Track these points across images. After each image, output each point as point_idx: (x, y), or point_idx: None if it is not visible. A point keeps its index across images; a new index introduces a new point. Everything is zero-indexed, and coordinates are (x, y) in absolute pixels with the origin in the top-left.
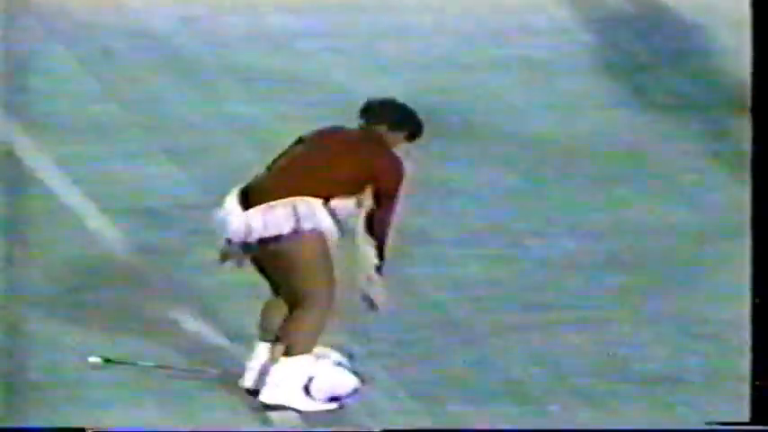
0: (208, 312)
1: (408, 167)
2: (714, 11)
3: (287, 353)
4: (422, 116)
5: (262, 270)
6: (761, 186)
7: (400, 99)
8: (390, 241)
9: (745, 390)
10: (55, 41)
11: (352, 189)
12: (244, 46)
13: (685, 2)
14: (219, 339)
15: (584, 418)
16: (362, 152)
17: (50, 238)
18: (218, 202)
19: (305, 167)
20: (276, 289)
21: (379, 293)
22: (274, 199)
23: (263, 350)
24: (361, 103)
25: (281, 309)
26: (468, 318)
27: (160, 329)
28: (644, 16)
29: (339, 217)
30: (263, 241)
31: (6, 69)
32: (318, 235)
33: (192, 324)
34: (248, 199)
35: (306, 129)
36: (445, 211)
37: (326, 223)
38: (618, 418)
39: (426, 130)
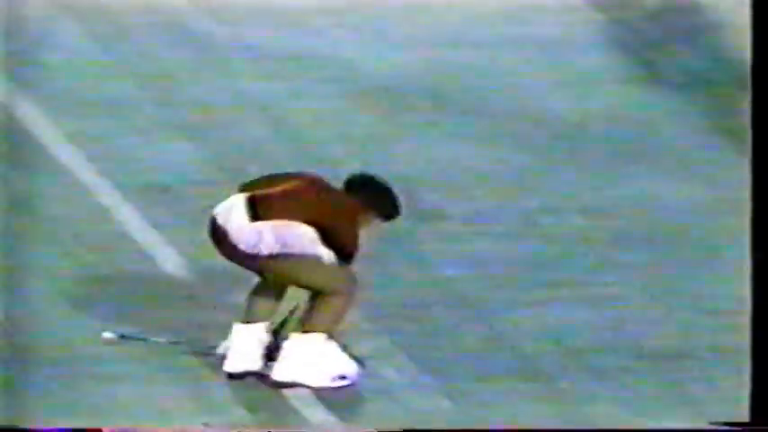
0: (220, 289)
1: (416, 145)
2: None
3: (305, 330)
4: (434, 93)
5: (253, 270)
6: (761, 164)
7: (410, 76)
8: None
9: (745, 390)
10: (69, 18)
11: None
12: (256, 23)
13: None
14: (231, 316)
15: (596, 393)
16: (330, 213)
17: (64, 214)
18: (231, 179)
19: (305, 200)
20: (266, 279)
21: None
22: (285, 218)
23: (243, 332)
24: (372, 79)
25: (269, 294)
26: (480, 294)
27: (173, 305)
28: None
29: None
30: (265, 255)
31: (20, 46)
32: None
33: (204, 300)
34: (257, 210)
35: (317, 105)
36: (457, 188)
37: (326, 254)
38: (629, 393)
39: (438, 107)
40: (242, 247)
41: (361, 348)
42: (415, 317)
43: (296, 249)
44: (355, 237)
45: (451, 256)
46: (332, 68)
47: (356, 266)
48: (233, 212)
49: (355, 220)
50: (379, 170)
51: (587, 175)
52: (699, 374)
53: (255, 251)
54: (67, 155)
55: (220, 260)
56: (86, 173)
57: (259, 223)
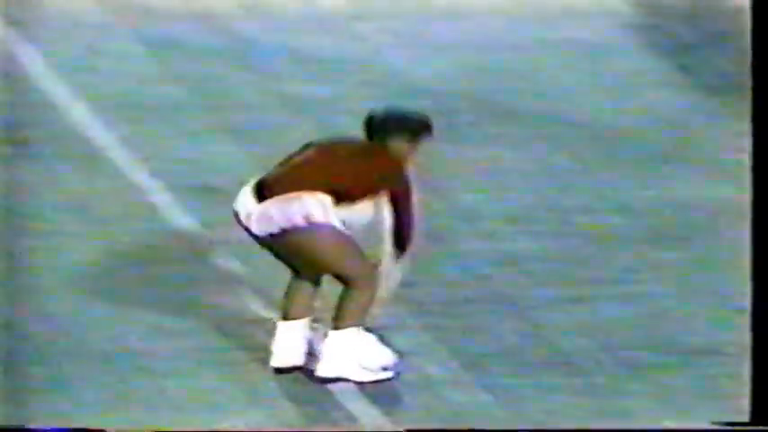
0: (268, 282)
1: (458, 147)
2: None
3: (337, 327)
4: (474, 97)
5: (280, 258)
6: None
7: (451, 80)
8: (415, 244)
9: (745, 390)
10: (123, 26)
11: (358, 195)
12: (300, 29)
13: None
14: (273, 314)
15: (630, 389)
16: (362, 163)
17: (118, 213)
18: None
19: (317, 167)
20: (298, 272)
21: (391, 281)
22: (289, 192)
23: (289, 329)
24: (413, 82)
25: (305, 289)
26: (517, 291)
27: (222, 299)
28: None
29: (354, 219)
30: (278, 234)
31: (77, 53)
32: (331, 228)
33: (245, 298)
34: (263, 192)
35: (358, 108)
36: (496, 188)
37: (334, 220)
38: (662, 389)
39: (478, 110)
40: (256, 232)
41: (404, 344)
42: (456, 313)
43: (301, 221)
44: (397, 174)
45: (490, 254)
46: (374, 72)
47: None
48: (245, 202)
49: (386, 158)
50: (419, 171)
51: (622, 176)
52: (729, 370)
53: (267, 231)
54: (121, 156)
55: (266, 258)
56: (139, 173)
57: (265, 202)
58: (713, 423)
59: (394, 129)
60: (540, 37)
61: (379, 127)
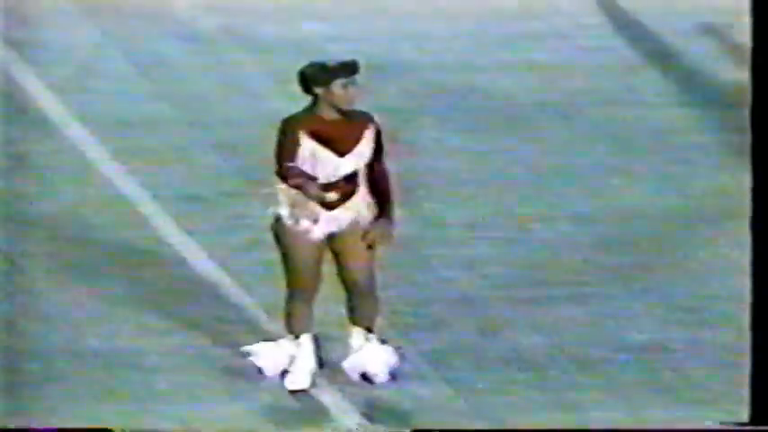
0: (248, 289)
1: (422, 160)
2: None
3: (366, 327)
4: (438, 115)
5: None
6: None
7: (418, 99)
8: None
9: (745, 390)
10: (113, 47)
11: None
12: (279, 50)
13: (684, 4)
14: (258, 316)
15: (582, 383)
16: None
17: (109, 221)
18: (257, 190)
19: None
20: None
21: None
22: None
23: (294, 347)
24: (380, 101)
25: (308, 302)
26: (477, 293)
27: (203, 304)
28: (629, 22)
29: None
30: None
31: (71, 72)
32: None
33: (233, 297)
34: None
35: None
36: (458, 198)
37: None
38: (612, 383)
39: (440, 126)
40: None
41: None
42: (421, 313)
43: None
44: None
45: (453, 258)
46: None
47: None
48: None
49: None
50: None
51: (574, 187)
52: (674, 365)
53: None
54: (112, 169)
55: (245, 262)
56: (129, 185)
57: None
58: (717, 423)
59: (311, 81)
60: (499, 58)
61: (301, 84)
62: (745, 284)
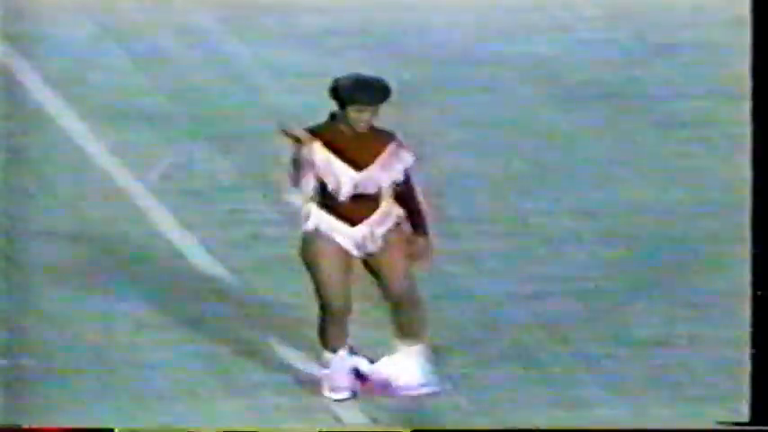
0: (247, 283)
1: (423, 154)
2: (711, 8)
3: (414, 340)
4: (439, 108)
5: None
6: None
7: (418, 91)
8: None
9: (745, 390)
10: (110, 40)
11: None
12: (277, 43)
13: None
14: (257, 308)
15: (584, 380)
16: None
17: (107, 216)
18: (255, 184)
19: None
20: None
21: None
22: None
23: (335, 361)
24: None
25: (343, 325)
26: (478, 288)
27: (201, 299)
28: (632, 13)
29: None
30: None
31: (68, 66)
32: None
33: (232, 293)
34: None
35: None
36: (460, 193)
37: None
38: (614, 379)
39: (443, 120)
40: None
41: (373, 336)
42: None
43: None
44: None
45: (454, 252)
46: None
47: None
48: None
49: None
50: None
51: (576, 181)
52: (677, 361)
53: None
54: (109, 163)
55: (245, 258)
56: (126, 179)
57: None
58: (718, 423)
59: (331, 95)
60: (498, 51)
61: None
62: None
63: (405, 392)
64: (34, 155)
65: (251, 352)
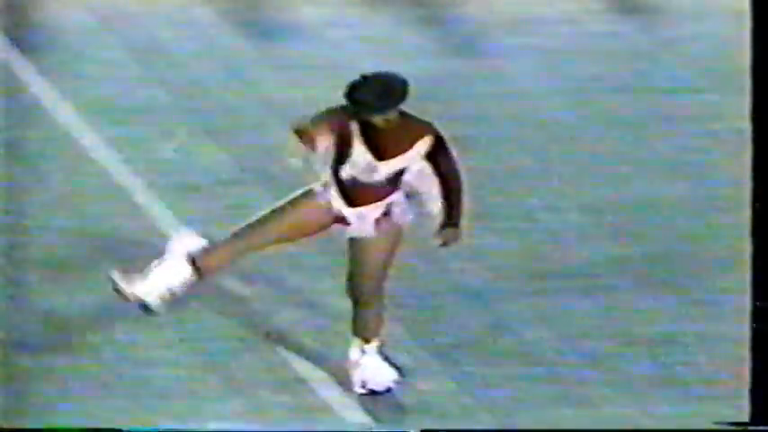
0: (247, 281)
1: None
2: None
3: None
4: (442, 101)
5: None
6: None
7: (421, 85)
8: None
9: (745, 390)
10: (107, 32)
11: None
12: (278, 35)
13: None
14: (255, 303)
15: (589, 377)
16: None
17: (104, 211)
18: (255, 179)
19: None
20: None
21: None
22: None
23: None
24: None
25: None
26: (483, 285)
27: (200, 297)
28: (640, 6)
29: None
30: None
31: (65, 58)
32: None
33: (232, 290)
34: None
35: None
36: (465, 188)
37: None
38: (620, 377)
39: (447, 114)
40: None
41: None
42: (425, 306)
43: None
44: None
45: (458, 250)
46: (348, 77)
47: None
48: None
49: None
50: None
51: (582, 176)
52: (685, 358)
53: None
54: (106, 157)
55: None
56: (123, 173)
57: None
58: (716, 423)
59: (357, 106)
60: (504, 43)
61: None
62: None
63: (380, 390)
64: (29, 149)
65: (251, 350)
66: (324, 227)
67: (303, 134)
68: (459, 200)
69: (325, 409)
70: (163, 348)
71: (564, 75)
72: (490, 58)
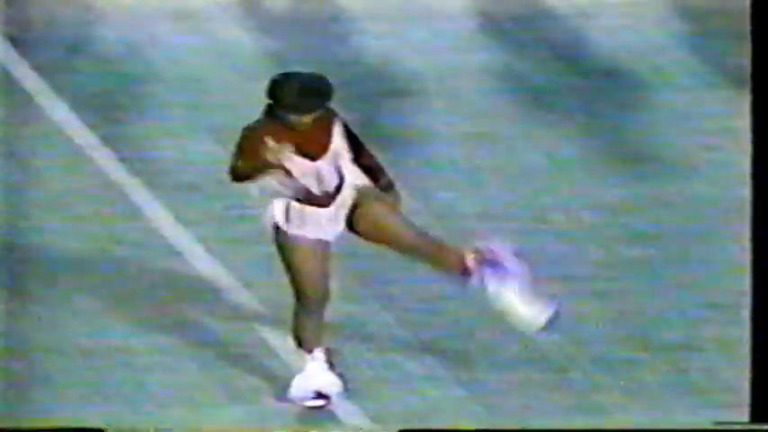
0: (246, 283)
1: (433, 146)
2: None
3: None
4: (450, 98)
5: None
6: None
7: (429, 81)
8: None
9: (745, 390)
10: (103, 26)
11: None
12: (279, 29)
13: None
14: (255, 307)
15: (603, 384)
16: None
17: (100, 211)
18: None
19: None
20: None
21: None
22: None
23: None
24: (390, 83)
25: (320, 317)
26: None
27: (200, 299)
28: (653, 2)
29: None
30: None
31: (57, 53)
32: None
33: (231, 293)
34: None
35: (338, 108)
36: (473, 187)
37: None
38: (634, 384)
39: (454, 109)
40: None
41: (381, 340)
42: (432, 310)
43: None
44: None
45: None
46: (352, 72)
47: (373, 262)
48: None
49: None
50: (390, 172)
51: (595, 175)
52: (702, 365)
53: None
54: (102, 155)
55: (245, 256)
56: (119, 172)
57: None
58: (716, 423)
59: (278, 104)
60: (513, 37)
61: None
62: None
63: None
64: (22, 147)
65: (249, 353)
66: (327, 248)
67: (248, 166)
68: (378, 165)
69: (329, 414)
70: (160, 353)
71: (578, 70)
72: (501, 52)
